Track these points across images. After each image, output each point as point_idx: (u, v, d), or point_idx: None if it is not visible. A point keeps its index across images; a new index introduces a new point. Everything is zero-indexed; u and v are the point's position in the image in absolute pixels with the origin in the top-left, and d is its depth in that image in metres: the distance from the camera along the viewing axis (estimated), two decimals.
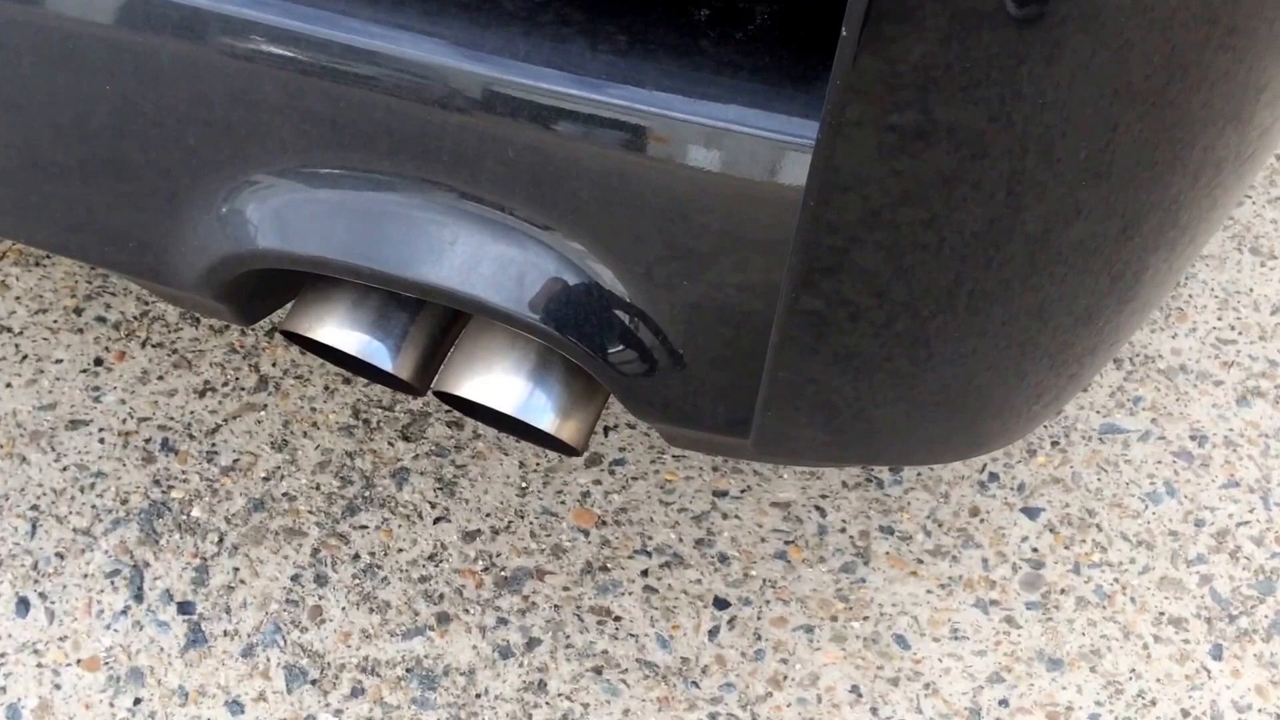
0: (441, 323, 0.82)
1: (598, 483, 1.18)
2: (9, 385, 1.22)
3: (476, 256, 0.71)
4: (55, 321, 1.27)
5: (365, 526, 1.13)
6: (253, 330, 1.28)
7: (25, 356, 1.25)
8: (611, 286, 0.70)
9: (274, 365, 1.25)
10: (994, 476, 1.19)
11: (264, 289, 0.83)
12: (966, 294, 0.66)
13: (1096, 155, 0.60)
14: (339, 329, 0.79)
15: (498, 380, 0.77)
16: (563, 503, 1.16)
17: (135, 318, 1.28)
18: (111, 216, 0.80)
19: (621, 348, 0.72)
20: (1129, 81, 0.58)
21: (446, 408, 1.22)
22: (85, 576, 1.09)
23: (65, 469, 1.16)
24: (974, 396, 0.73)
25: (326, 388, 1.24)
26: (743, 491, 1.18)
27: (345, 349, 0.80)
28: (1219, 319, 1.33)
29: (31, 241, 0.88)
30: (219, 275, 0.78)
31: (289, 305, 0.86)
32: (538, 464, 1.19)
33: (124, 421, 1.20)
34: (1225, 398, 1.26)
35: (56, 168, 0.79)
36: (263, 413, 1.22)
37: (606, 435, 1.22)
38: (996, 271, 0.65)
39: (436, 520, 1.14)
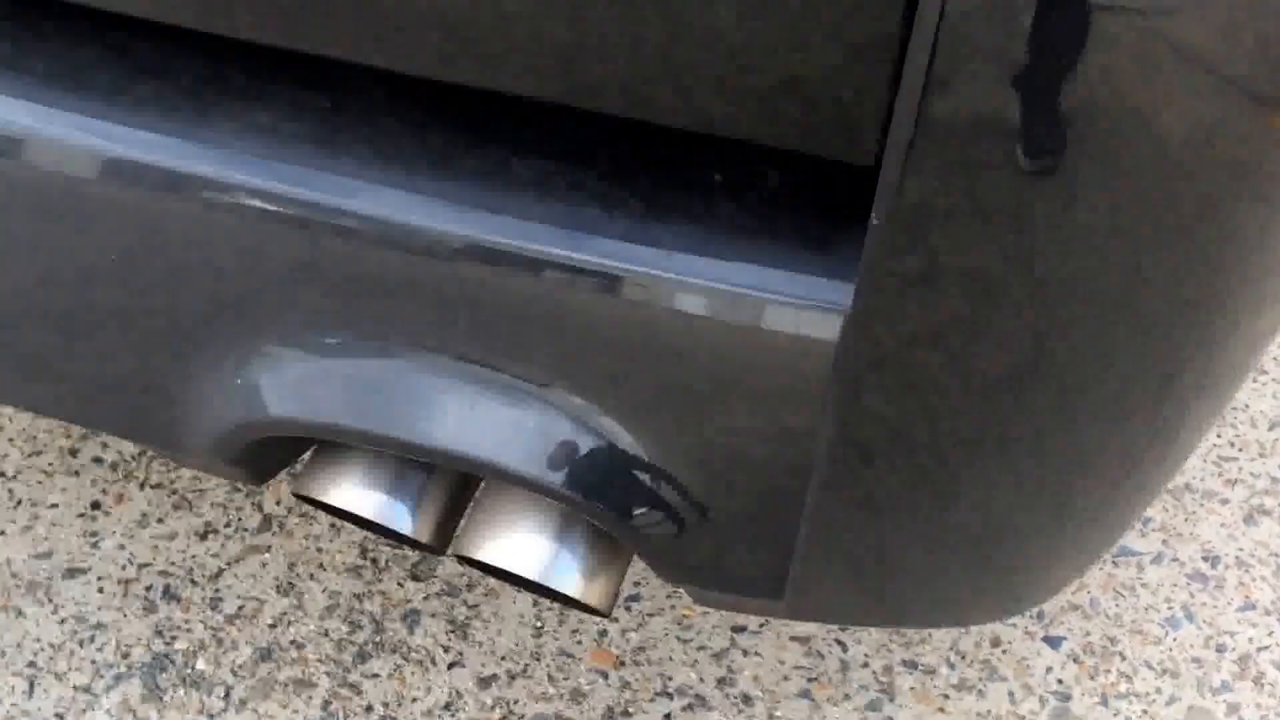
0: (459, 481, 0.81)
1: (614, 620, 1.15)
2: (3, 533, 1.18)
3: (493, 421, 0.70)
4: (50, 464, 1.24)
5: (377, 675, 1.10)
6: None
7: (20, 501, 1.21)
8: (631, 448, 0.70)
9: (278, 504, 1.22)
10: None
11: (276, 451, 0.81)
12: (995, 441, 0.65)
13: (1128, 304, 0.60)
14: (355, 492, 0.78)
15: (520, 543, 0.76)
16: (579, 642, 1.14)
17: (133, 458, 1.25)
18: (118, 384, 0.78)
19: (646, 509, 0.71)
20: (1156, 230, 0.58)
21: None
22: None
23: (63, 621, 1.12)
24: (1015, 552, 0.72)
25: (332, 525, 1.21)
26: (761, 626, 1.16)
27: (363, 514, 0.78)
28: (1218, 436, 1.34)
29: (29, 406, 0.86)
30: (231, 443, 0.76)
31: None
32: (551, 602, 1.16)
33: (123, 568, 1.16)
34: (1232, 516, 1.27)
35: (62, 334, 0.77)
36: (267, 554, 1.18)
37: None
38: (1029, 420, 0.65)
39: (450, 665, 1.11)
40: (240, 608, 1.14)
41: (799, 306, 0.62)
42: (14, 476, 1.23)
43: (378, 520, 0.77)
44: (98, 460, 1.25)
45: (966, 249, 0.57)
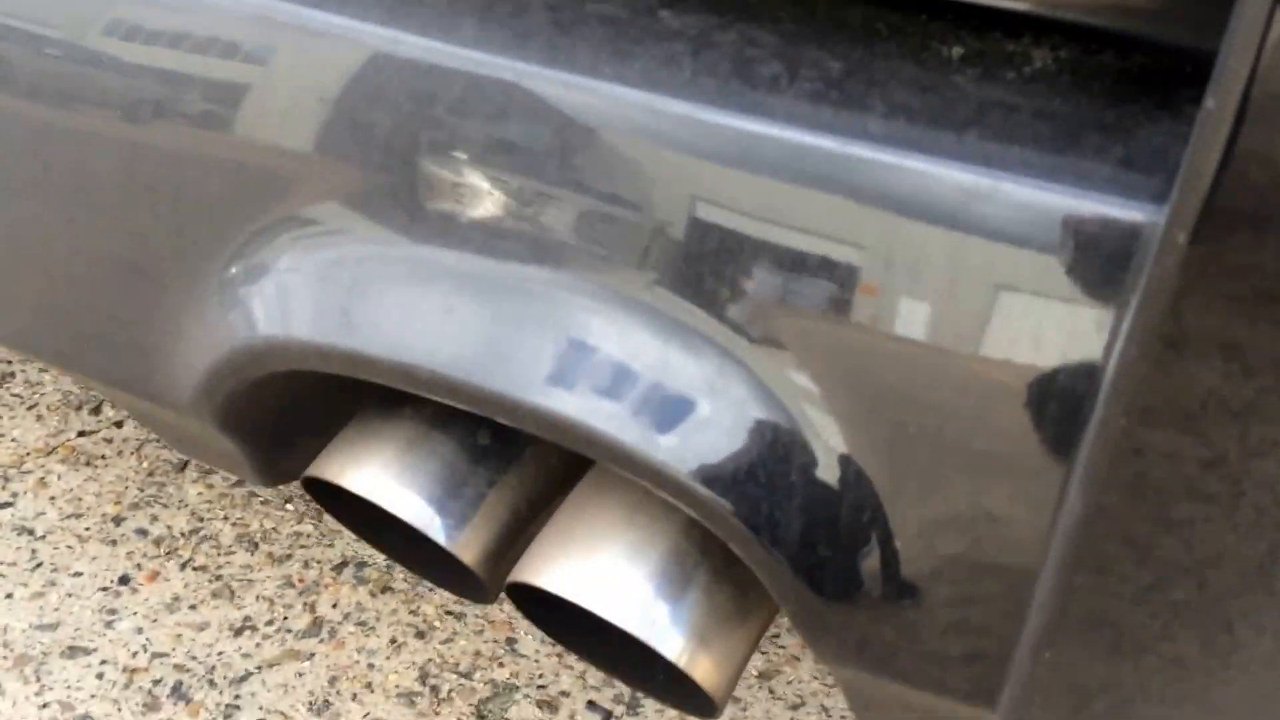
0: (528, 504, 0.56)
1: None
2: (10, 596, 0.98)
3: (615, 377, 0.46)
4: (87, 529, 1.05)
5: None
6: (318, 564, 1.03)
7: (40, 564, 1.01)
8: (823, 461, 0.44)
9: (334, 607, 0.99)
10: None
11: (285, 426, 0.59)
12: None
13: None
14: (382, 480, 0.54)
15: (606, 576, 0.50)
16: None
17: (183, 534, 1.05)
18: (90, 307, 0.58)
19: (821, 541, 0.45)
20: None
21: (553, 661, 0.93)
22: None
23: (45, 705, 0.89)
24: None
25: (393, 641, 0.96)
26: None
27: (388, 507, 0.54)
28: None
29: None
30: (217, 385, 0.53)
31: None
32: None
33: (134, 655, 0.94)
34: None
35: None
36: (307, 663, 0.94)
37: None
38: None
39: None
40: None
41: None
42: (42, 537, 1.04)
43: (409, 519, 0.53)
44: (142, 531, 1.05)
45: None
